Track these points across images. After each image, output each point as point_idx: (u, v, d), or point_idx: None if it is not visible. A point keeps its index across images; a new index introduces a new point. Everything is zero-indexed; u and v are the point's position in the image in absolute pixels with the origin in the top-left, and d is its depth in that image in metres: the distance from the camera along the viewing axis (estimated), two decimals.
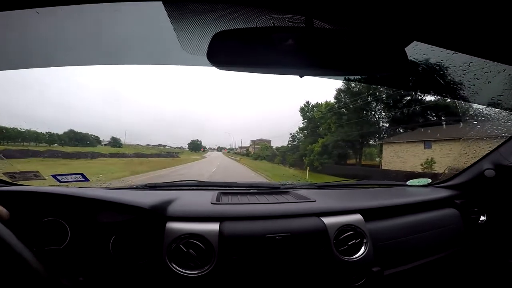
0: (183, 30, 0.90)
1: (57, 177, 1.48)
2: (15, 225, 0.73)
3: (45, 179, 1.53)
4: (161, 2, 0.75)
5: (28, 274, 0.66)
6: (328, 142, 17.65)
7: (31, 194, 1.08)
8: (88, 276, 1.01)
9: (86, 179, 1.54)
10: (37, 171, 1.49)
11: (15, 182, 1.40)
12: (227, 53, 0.67)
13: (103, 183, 1.83)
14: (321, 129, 19.42)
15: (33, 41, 1.15)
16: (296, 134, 21.96)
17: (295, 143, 21.79)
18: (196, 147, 22.86)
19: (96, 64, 1.38)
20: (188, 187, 1.58)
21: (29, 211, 1.06)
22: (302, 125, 21.94)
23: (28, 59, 1.31)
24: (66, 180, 1.49)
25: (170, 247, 1.01)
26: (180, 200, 1.22)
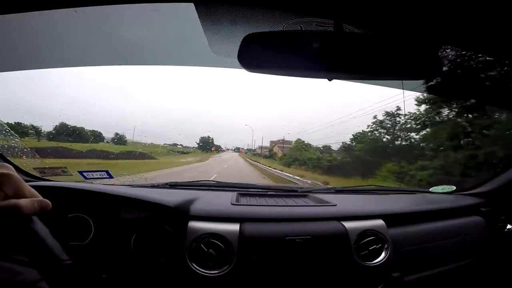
0: (212, 32, 0.92)
1: (83, 173, 1.53)
2: (42, 219, 0.77)
3: (72, 175, 1.59)
4: (192, 4, 0.77)
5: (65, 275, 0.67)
6: None
7: (59, 189, 1.13)
8: (111, 273, 1.04)
9: (111, 177, 1.59)
10: (65, 167, 1.56)
11: (43, 177, 1.47)
12: (257, 56, 0.67)
13: (126, 180, 1.88)
14: None
15: (61, 41, 1.21)
16: (387, 119, 9.52)
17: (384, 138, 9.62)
18: (207, 145, 18.94)
19: (121, 65, 1.43)
20: (207, 187, 1.60)
21: (56, 206, 1.11)
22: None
23: (61, 58, 1.38)
24: (91, 176, 1.54)
25: (191, 246, 1.02)
26: (201, 200, 1.24)
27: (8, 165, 0.57)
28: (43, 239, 0.58)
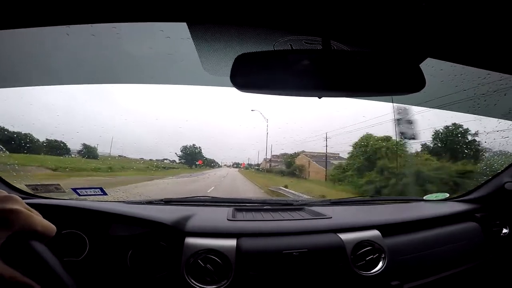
0: (204, 51, 0.93)
1: (76, 190, 1.52)
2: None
3: (65, 192, 1.58)
4: (185, 24, 0.78)
5: None
6: None
7: (52, 207, 1.12)
8: None
9: (105, 193, 1.58)
10: (58, 184, 1.54)
11: (36, 194, 1.45)
12: (249, 76, 0.69)
13: (119, 197, 1.86)
14: None
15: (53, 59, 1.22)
16: None
17: None
18: (192, 158, 14.13)
19: (116, 83, 1.45)
20: (203, 203, 1.60)
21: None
22: None
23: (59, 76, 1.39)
24: (85, 193, 1.53)
25: (189, 261, 1.01)
26: (197, 216, 1.24)
27: (17, 197, 0.50)
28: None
